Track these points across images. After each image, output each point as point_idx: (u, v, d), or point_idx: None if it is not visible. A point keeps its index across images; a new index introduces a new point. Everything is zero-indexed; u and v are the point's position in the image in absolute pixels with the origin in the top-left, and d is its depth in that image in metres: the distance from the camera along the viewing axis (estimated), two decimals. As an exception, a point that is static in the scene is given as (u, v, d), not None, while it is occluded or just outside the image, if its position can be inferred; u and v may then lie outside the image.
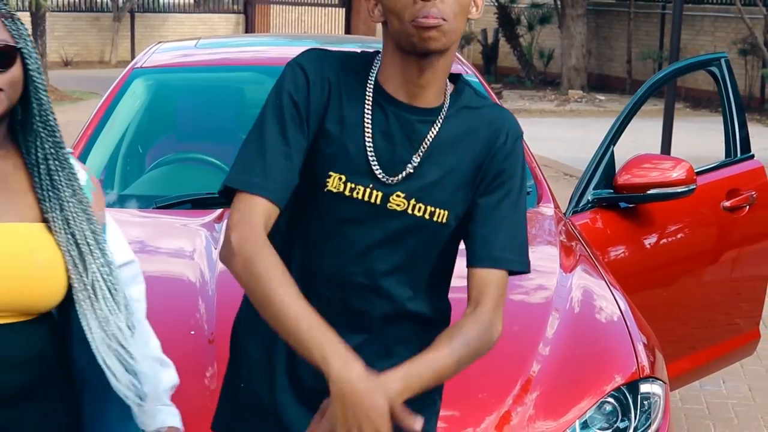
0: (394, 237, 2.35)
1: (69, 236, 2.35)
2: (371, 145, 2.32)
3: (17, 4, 19.31)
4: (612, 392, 3.11)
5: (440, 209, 2.36)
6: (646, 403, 3.16)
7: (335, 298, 2.36)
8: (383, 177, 2.33)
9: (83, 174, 2.46)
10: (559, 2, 22.54)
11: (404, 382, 2.18)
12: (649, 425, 3.13)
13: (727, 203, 4.80)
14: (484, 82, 4.87)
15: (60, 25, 23.45)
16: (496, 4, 23.90)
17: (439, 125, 2.36)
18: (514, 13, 24.45)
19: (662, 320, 4.29)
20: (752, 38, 19.49)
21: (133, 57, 27.19)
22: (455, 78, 2.45)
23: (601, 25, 24.48)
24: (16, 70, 2.34)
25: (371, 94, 2.34)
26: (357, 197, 2.33)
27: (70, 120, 14.05)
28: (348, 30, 28.28)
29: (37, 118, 2.37)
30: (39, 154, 2.38)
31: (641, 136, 10.99)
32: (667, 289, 4.74)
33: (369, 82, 2.35)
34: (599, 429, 3.06)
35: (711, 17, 21.78)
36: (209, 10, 30.46)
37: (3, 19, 2.35)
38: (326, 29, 29.03)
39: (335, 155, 2.32)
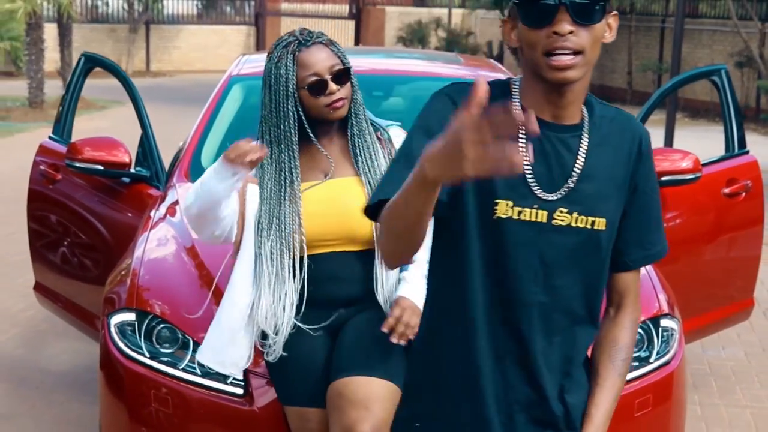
0: (563, 252, 2.39)
1: (369, 186, 3.48)
2: (529, 168, 2.35)
3: (47, 15, 20.01)
4: (639, 324, 4.00)
5: (598, 218, 2.40)
6: (665, 334, 4.03)
7: (521, 319, 2.40)
8: (545, 196, 2.36)
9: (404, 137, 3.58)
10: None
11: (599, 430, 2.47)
12: (668, 351, 4.00)
13: (727, 190, 5.63)
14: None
15: (78, 35, 24.04)
16: (501, 17, 24.54)
17: (586, 138, 2.40)
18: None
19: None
20: (748, 51, 20.05)
21: (148, 67, 28.06)
22: None
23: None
24: (348, 84, 3.48)
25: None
26: (524, 219, 2.35)
27: (99, 127, 14.85)
28: (357, 42, 28.80)
29: (358, 113, 3.54)
30: (355, 135, 3.54)
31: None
32: (673, 266, 5.48)
33: (514, 104, 2.38)
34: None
35: (709, 31, 22.33)
36: (221, 22, 31.09)
37: (329, 46, 3.45)
38: (335, 39, 29.54)
39: (498, 183, 2.33)
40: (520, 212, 2.35)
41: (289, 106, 3.52)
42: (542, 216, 2.36)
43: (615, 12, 2.38)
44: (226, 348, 3.55)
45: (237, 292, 3.54)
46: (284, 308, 3.48)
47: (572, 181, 2.37)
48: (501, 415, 2.44)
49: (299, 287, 3.52)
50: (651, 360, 3.94)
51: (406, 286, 3.50)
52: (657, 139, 12.80)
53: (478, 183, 2.29)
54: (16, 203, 10.02)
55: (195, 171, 5.00)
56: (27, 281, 7.23)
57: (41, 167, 5.67)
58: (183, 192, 4.78)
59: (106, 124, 15.67)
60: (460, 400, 2.45)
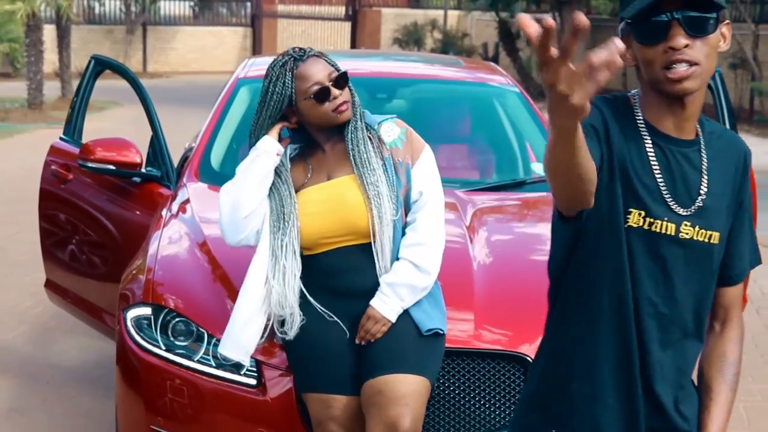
0: (684, 264, 2.44)
1: (364, 184, 3.65)
2: (662, 181, 2.41)
3: (45, 16, 20.12)
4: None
5: (714, 232, 2.46)
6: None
7: (642, 329, 2.45)
8: (677, 209, 2.42)
9: (397, 130, 3.75)
10: (557, 17, 23.38)
11: None
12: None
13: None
14: (525, 93, 5.91)
15: (75, 37, 24.12)
16: (497, 19, 24.66)
17: (704, 153, 2.47)
18: (514, 28, 25.07)
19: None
20: (741, 53, 20.25)
21: (144, 68, 28.18)
22: None
23: (597, 39, 25.29)
24: (347, 89, 3.69)
25: (647, 133, 2.43)
26: (655, 230, 2.41)
27: (98, 128, 14.95)
28: (353, 43, 28.97)
29: (356, 115, 3.72)
30: (351, 135, 3.71)
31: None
32: None
33: (639, 122, 2.44)
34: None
35: (703, 33, 22.65)
36: (218, 23, 31.20)
37: (322, 57, 3.70)
38: (332, 42, 29.61)
39: (633, 192, 2.40)
40: (651, 223, 2.41)
41: (276, 114, 3.76)
42: (671, 228, 2.42)
43: (728, 21, 2.42)
44: (239, 335, 3.71)
45: (251, 283, 3.70)
46: (293, 290, 3.67)
47: (701, 198, 2.44)
48: (623, 423, 2.49)
49: (298, 276, 3.73)
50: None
51: (379, 297, 3.69)
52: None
53: (610, 191, 2.38)
54: (19, 203, 10.19)
55: (205, 171, 5.16)
56: (34, 280, 7.39)
57: (53, 167, 5.81)
58: (194, 191, 4.94)
59: (105, 125, 15.81)
60: (585, 408, 2.50)
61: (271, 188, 3.76)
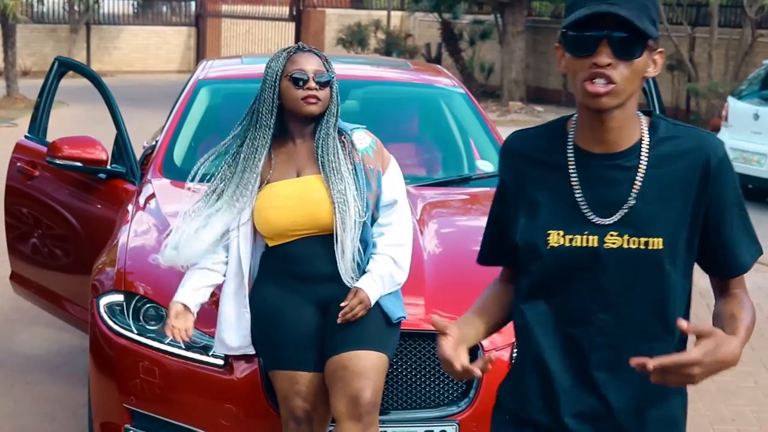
0: (618, 272, 2.49)
1: (329, 184, 3.96)
2: (581, 197, 2.51)
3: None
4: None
5: (653, 238, 2.48)
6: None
7: (582, 337, 2.53)
8: (598, 221, 2.50)
9: (368, 139, 4.07)
10: (499, 19, 23.65)
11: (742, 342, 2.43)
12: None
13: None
14: (470, 93, 6.24)
15: (19, 36, 24.10)
16: (439, 20, 24.92)
17: (642, 161, 2.50)
18: (456, 29, 25.45)
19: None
20: (678, 55, 20.62)
21: (88, 66, 28.11)
22: (648, 112, 2.59)
23: (538, 41, 25.67)
24: (326, 93, 4.00)
25: (571, 154, 2.54)
26: (576, 245, 2.50)
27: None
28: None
29: (329, 121, 4.03)
30: (321, 138, 4.01)
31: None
32: None
33: (569, 143, 2.56)
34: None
35: (640, 35, 23.13)
36: (162, 22, 31.23)
37: (322, 59, 4.05)
38: (276, 43, 29.70)
39: (552, 216, 2.54)
40: (572, 239, 2.51)
41: (272, 93, 4.05)
42: (593, 241, 2.50)
43: (662, 50, 2.50)
44: (230, 334, 4.07)
45: (229, 288, 4.09)
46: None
47: (626, 206, 2.49)
48: (576, 421, 2.56)
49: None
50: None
51: (366, 278, 4.02)
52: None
53: (528, 221, 2.56)
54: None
55: (168, 168, 5.46)
56: (-6, 274, 7.60)
57: (18, 164, 6.06)
58: (158, 186, 5.23)
59: (51, 124, 15.91)
60: (542, 408, 2.60)
61: (237, 156, 4.14)
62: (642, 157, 2.51)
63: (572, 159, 2.53)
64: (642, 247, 2.48)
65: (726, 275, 2.61)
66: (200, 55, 30.44)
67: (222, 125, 5.94)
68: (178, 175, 5.36)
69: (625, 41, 2.42)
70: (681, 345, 2.58)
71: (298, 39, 28.94)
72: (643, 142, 2.53)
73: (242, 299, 4.03)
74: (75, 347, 6.59)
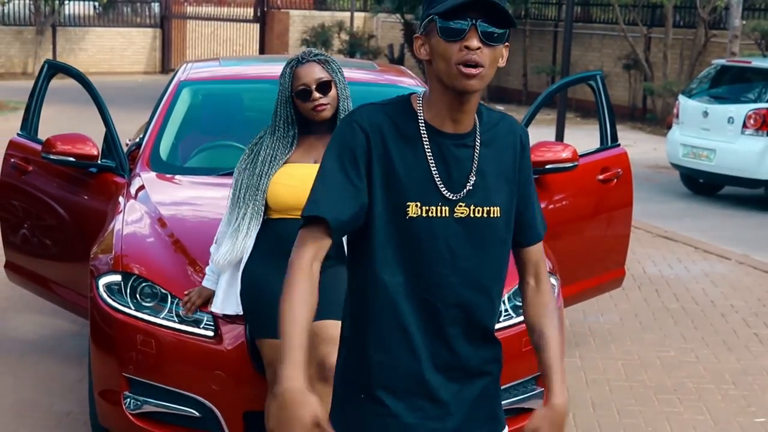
0: (466, 238, 2.78)
1: None
2: (437, 173, 2.76)
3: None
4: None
5: (494, 207, 2.81)
6: (546, 287, 5.04)
7: (436, 297, 2.79)
8: (449, 194, 2.77)
9: None
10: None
11: (564, 391, 2.81)
12: (548, 300, 5.01)
13: (601, 177, 6.67)
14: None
15: (-16, 37, 24.36)
16: (402, 21, 25.26)
17: (478, 142, 2.81)
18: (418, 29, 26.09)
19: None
20: (635, 55, 21.32)
21: (56, 69, 28.37)
22: None
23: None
24: (333, 93, 4.44)
25: (424, 131, 2.76)
26: (432, 216, 2.76)
27: (15, 127, 15.34)
28: (262, 45, 29.50)
29: (345, 112, 4.44)
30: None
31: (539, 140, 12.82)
32: (558, 240, 6.43)
33: (420, 122, 2.77)
34: (517, 302, 4.93)
35: (599, 35, 23.55)
36: (127, 24, 31.45)
37: (322, 63, 4.49)
38: (240, 44, 30.00)
39: (410, 189, 2.75)
40: (427, 210, 2.76)
41: (287, 107, 4.54)
42: (445, 211, 2.77)
43: (508, 44, 2.78)
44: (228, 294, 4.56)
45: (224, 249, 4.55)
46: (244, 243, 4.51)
47: (470, 181, 2.78)
48: (433, 372, 2.83)
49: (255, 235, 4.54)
50: (535, 307, 4.94)
51: None
52: (549, 136, 13.88)
53: (388, 194, 2.75)
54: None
55: (155, 162, 5.95)
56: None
57: (12, 160, 6.51)
58: (147, 178, 5.74)
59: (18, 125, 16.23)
60: (406, 369, 2.83)
61: (259, 149, 4.58)
62: (477, 139, 2.82)
63: (425, 135, 2.76)
64: (485, 216, 2.80)
65: (527, 243, 2.95)
66: (166, 56, 30.79)
67: (202, 123, 6.47)
68: (164, 168, 5.90)
69: (492, 29, 2.71)
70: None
71: (263, 40, 29.27)
72: (477, 124, 2.83)
73: (236, 271, 4.52)
74: (65, 331, 7.05)
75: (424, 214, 2.76)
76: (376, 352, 2.83)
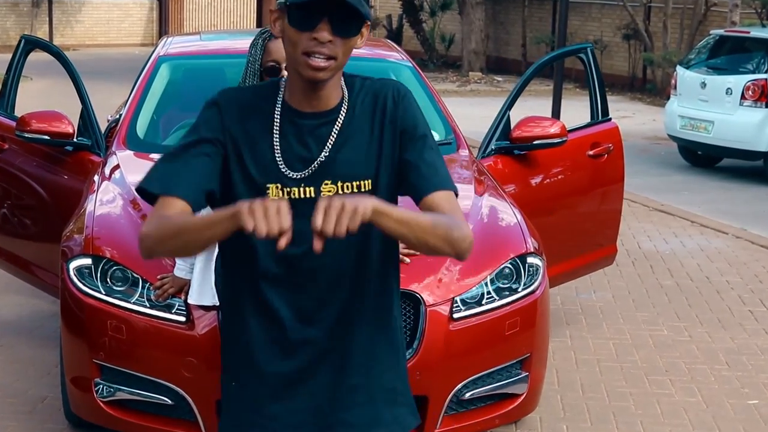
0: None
1: None
2: (291, 151, 2.67)
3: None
4: (509, 261, 4.86)
5: (362, 180, 2.70)
6: (531, 269, 4.89)
7: (306, 280, 2.73)
8: (312, 173, 2.67)
9: None
10: None
11: (383, 203, 2.48)
12: (533, 283, 4.86)
13: (591, 152, 6.53)
14: (417, 67, 6.58)
15: (-19, 10, 24.33)
16: (400, -9, 25.31)
17: (342, 116, 2.70)
18: (417, 0, 26.03)
19: (544, 239, 5.62)
20: (634, 24, 21.17)
21: (51, 41, 28.16)
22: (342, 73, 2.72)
23: (498, 11, 26.03)
24: None
25: (279, 112, 2.68)
26: (295, 197, 2.66)
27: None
28: (260, 16, 29.30)
29: None
30: None
31: (536, 112, 12.66)
32: (548, 217, 6.34)
33: (277, 103, 2.70)
34: (501, 284, 4.80)
35: (598, 5, 23.36)
36: (125, -5, 31.42)
37: None
38: (238, 15, 29.92)
39: (269, 171, 2.67)
40: (289, 192, 2.67)
41: (254, 81, 4.35)
42: (310, 192, 2.67)
43: (368, 22, 2.66)
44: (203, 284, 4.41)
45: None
46: None
47: (335, 156, 2.67)
48: (301, 347, 2.78)
49: None
50: (519, 290, 4.80)
51: None
52: (548, 106, 13.75)
53: (247, 176, 2.67)
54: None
55: (131, 140, 5.79)
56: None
57: (-13, 138, 6.35)
58: (123, 157, 5.56)
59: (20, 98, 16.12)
60: (274, 350, 2.79)
61: None
62: (341, 114, 2.70)
63: (278, 117, 2.69)
64: (355, 190, 2.69)
65: (423, 192, 2.69)
66: (162, 28, 30.58)
67: (182, 99, 6.29)
68: (141, 146, 5.72)
69: (346, 21, 2.60)
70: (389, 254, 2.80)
71: (260, 12, 29.04)
72: (343, 99, 2.71)
73: (209, 261, 4.36)
74: (45, 312, 6.91)
75: (286, 196, 2.67)
76: (242, 333, 2.80)
